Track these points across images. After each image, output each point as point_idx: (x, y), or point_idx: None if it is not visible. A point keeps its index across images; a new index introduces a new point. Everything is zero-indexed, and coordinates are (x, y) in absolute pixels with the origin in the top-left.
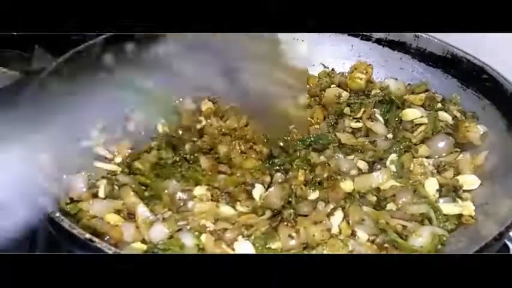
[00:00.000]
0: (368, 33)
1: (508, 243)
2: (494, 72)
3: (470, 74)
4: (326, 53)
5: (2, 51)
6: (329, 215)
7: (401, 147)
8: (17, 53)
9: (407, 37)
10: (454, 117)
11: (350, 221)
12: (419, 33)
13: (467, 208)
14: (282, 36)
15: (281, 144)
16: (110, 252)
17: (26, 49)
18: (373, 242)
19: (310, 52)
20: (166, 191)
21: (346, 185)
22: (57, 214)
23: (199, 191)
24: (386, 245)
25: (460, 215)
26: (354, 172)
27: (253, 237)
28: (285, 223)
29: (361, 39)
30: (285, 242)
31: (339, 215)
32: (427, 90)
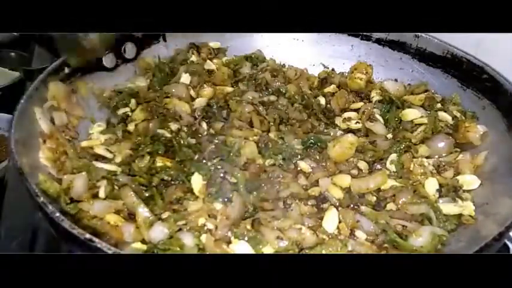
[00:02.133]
0: (368, 33)
1: (508, 243)
2: (494, 72)
3: (470, 74)
4: (326, 53)
5: (2, 51)
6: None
7: (402, 147)
8: (17, 53)
9: (407, 37)
10: (454, 117)
11: (344, 224)
12: (419, 33)
13: (467, 208)
14: None
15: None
16: (110, 252)
17: (26, 49)
18: (373, 242)
19: (310, 52)
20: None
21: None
22: (57, 214)
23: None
24: (386, 245)
25: (460, 215)
26: (354, 172)
27: (246, 238)
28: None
29: (361, 39)
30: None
31: (334, 216)
32: (426, 91)
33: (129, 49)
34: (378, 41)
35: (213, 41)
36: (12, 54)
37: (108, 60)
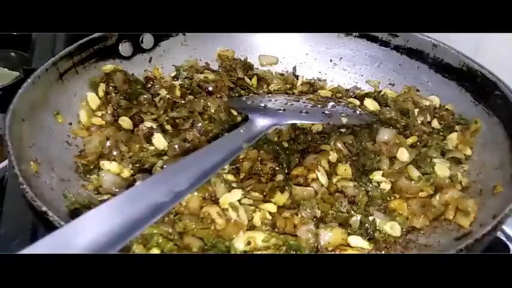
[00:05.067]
0: (386, 40)
1: (508, 243)
2: (507, 89)
3: (483, 89)
4: (344, 58)
5: (2, 51)
6: None
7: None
8: (17, 53)
9: (425, 46)
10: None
11: None
12: (437, 43)
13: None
14: None
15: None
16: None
17: (26, 49)
18: None
19: (324, 56)
20: None
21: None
22: (56, 218)
23: None
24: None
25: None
26: None
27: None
28: None
29: (380, 45)
30: None
31: None
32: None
33: (147, 40)
34: (397, 48)
35: (223, 40)
36: (12, 54)
37: (125, 49)
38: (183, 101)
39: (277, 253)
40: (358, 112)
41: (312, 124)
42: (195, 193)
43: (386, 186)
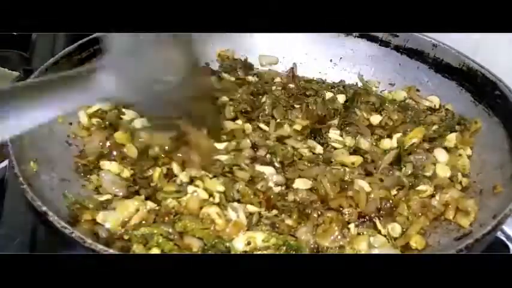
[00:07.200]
0: (386, 40)
1: (508, 243)
2: (507, 89)
3: (483, 89)
4: (344, 57)
5: (2, 51)
6: None
7: None
8: (17, 53)
9: (425, 46)
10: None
11: None
12: (437, 43)
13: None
14: None
15: None
16: (110, 252)
17: (26, 49)
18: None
19: (325, 55)
20: None
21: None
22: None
23: None
24: None
25: None
26: None
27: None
28: None
29: (380, 45)
30: None
31: None
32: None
33: None
34: (397, 48)
35: (223, 40)
36: (12, 54)
37: None
38: None
39: (277, 253)
40: None
41: None
42: (195, 194)
43: None
